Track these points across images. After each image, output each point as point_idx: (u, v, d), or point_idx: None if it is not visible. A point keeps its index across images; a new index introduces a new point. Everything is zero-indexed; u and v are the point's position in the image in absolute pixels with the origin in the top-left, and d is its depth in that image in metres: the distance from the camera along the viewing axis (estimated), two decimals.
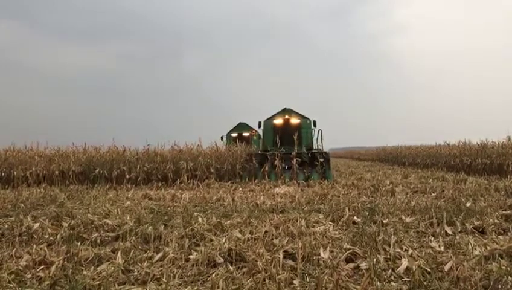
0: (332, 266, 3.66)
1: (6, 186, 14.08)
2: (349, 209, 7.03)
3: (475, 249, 4.29)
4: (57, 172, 15.24)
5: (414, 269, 3.56)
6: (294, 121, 17.32)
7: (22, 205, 8.65)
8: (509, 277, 3.47)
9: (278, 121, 17.44)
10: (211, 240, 4.96)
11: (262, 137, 18.18)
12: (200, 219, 6.34)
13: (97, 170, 15.16)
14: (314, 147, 16.97)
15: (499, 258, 4.05)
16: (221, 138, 22.88)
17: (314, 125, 17.27)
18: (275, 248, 4.39)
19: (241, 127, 24.49)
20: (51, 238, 5.37)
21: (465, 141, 20.59)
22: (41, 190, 12.33)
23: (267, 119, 17.61)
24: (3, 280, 3.64)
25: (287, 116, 17.36)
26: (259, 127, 17.60)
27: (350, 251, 4.19)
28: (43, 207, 8.53)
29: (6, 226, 6.26)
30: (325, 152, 15.85)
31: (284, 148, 15.71)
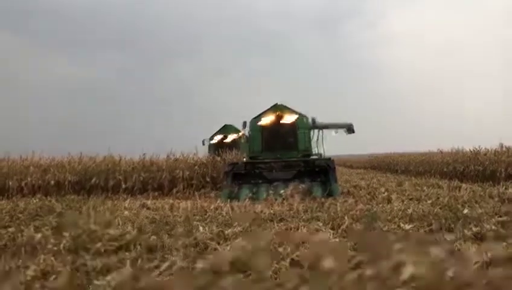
0: (340, 273, 3.72)
1: (1, 197, 14.02)
2: (348, 217, 7.13)
3: (476, 255, 4.39)
4: (52, 182, 15.23)
5: (421, 276, 3.63)
6: (288, 119, 13.66)
7: (21, 215, 8.64)
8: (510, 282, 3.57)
9: (268, 120, 13.62)
10: (215, 249, 5.02)
11: (248, 139, 14.49)
12: (201, 228, 6.41)
13: (93, 180, 15.17)
14: (313, 152, 13.73)
15: (501, 264, 4.15)
16: (203, 142, 20.81)
17: (314, 124, 13.80)
18: (281, 256, 4.45)
19: (227, 129, 21.04)
20: (55, 248, 5.40)
21: (458, 148, 20.85)
22: (37, 200, 12.29)
23: (254, 118, 13.92)
24: None
25: (279, 114, 13.59)
26: (244, 127, 14.16)
27: (358, 258, 4.26)
28: (41, 218, 8.52)
29: (6, 237, 6.28)
30: (329, 159, 12.58)
31: (276, 153, 13.20)
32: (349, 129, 18.00)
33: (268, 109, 13.93)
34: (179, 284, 3.77)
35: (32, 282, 3.94)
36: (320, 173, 12.10)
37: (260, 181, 12.04)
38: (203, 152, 18.90)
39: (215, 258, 4.30)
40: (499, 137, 18.11)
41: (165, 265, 4.35)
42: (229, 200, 10.70)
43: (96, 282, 3.85)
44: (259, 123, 13.74)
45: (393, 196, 10.77)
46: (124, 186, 15.00)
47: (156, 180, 15.35)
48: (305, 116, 13.83)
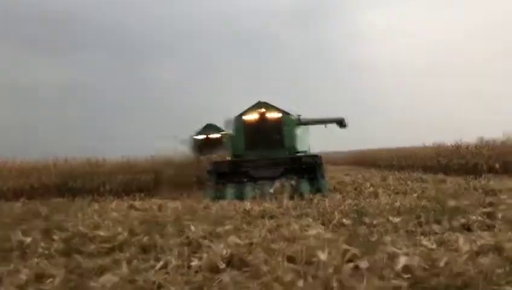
0: (336, 266, 3.78)
1: None
2: (337, 213, 7.21)
3: (465, 245, 4.50)
4: (36, 185, 15.05)
5: (415, 266, 3.72)
6: (273, 116, 13.47)
7: (7, 219, 8.50)
8: (500, 270, 3.68)
9: (252, 117, 13.45)
10: (209, 246, 5.03)
11: (231, 138, 14.13)
12: (192, 227, 6.40)
13: (77, 182, 15.04)
14: (299, 150, 13.48)
15: (489, 252, 4.27)
16: (184, 141, 18.95)
17: (299, 121, 13.80)
18: (275, 252, 4.49)
19: (209, 128, 19.89)
20: (46, 251, 5.34)
21: (440, 142, 21.21)
22: (21, 204, 12.10)
23: (237, 116, 13.70)
24: None
25: (262, 111, 13.42)
26: (227, 126, 14.01)
27: (352, 252, 4.33)
28: (28, 221, 8.40)
29: None
30: (316, 155, 12.38)
31: (261, 151, 12.84)
32: (341, 123, 18.08)
33: (251, 107, 13.68)
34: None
35: (26, 286, 3.91)
36: (308, 170, 11.83)
37: (246, 180, 11.72)
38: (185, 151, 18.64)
39: (210, 255, 4.33)
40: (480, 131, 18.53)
41: (159, 264, 4.37)
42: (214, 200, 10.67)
43: (92, 284, 3.84)
44: (243, 120, 13.48)
45: (380, 191, 10.91)
46: (108, 187, 14.91)
47: (141, 181, 15.28)
48: (289, 113, 13.71)
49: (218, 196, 11.02)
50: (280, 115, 13.47)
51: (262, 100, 13.85)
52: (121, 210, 9.45)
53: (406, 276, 3.70)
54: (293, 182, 11.16)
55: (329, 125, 17.99)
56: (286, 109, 13.86)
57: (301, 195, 10.40)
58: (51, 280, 3.92)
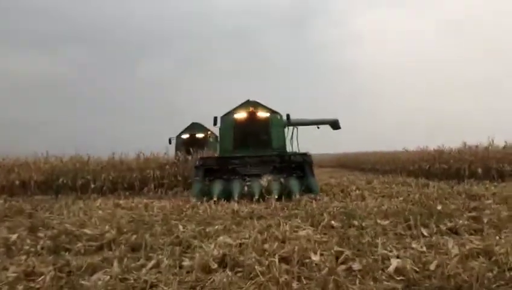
0: (330, 268, 3.79)
1: None
2: (326, 214, 7.24)
3: (454, 249, 4.55)
4: (17, 182, 14.77)
5: (407, 269, 3.75)
6: (262, 115, 13.26)
7: None
8: (490, 273, 3.74)
9: (240, 116, 13.22)
10: (201, 246, 5.00)
11: (219, 137, 13.97)
12: (180, 227, 6.37)
13: (60, 180, 14.80)
14: (287, 150, 13.35)
15: (478, 256, 4.34)
16: (169, 140, 19.58)
17: (288, 120, 13.57)
18: (267, 253, 4.48)
19: (195, 127, 20.41)
20: (32, 249, 5.25)
21: (423, 147, 21.43)
22: (3, 201, 11.87)
23: (225, 115, 13.33)
24: None
25: (251, 110, 13.20)
26: (215, 124, 13.16)
27: (344, 253, 4.35)
28: (11, 218, 8.26)
29: None
30: (305, 153, 12.17)
31: (249, 151, 12.54)
32: (335, 125, 18.05)
33: (240, 105, 13.47)
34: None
35: (15, 283, 3.83)
36: (297, 169, 11.56)
37: (233, 177, 11.30)
38: (170, 151, 18.48)
39: (201, 255, 4.31)
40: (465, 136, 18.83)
41: (151, 263, 4.33)
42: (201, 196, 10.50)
43: (83, 282, 3.79)
44: (231, 119, 13.17)
45: (366, 194, 10.99)
46: (93, 186, 14.71)
47: (126, 179, 15.10)
48: (278, 113, 13.47)
49: (205, 192, 10.66)
50: (268, 114, 13.25)
51: (251, 99, 13.63)
52: (106, 208, 9.34)
53: (398, 278, 3.74)
54: (282, 180, 10.85)
55: (314, 127, 18.09)
56: (275, 109, 13.59)
57: (290, 194, 10.25)
58: (41, 277, 3.83)
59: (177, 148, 18.86)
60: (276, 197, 9.89)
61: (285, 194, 10.21)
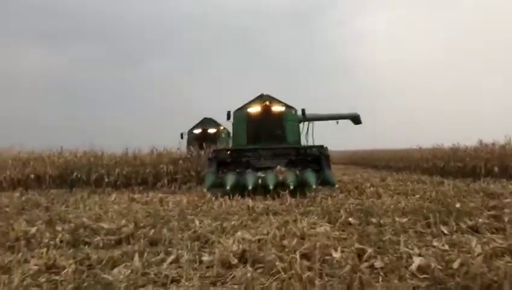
0: (353, 265, 3.75)
1: None
2: (341, 211, 7.19)
3: (476, 247, 4.48)
4: (32, 176, 14.90)
5: (432, 267, 3.69)
6: (276, 109, 12.95)
7: (7, 209, 8.42)
8: None
9: (254, 110, 12.95)
10: (219, 242, 4.98)
11: (232, 131, 13.78)
12: (197, 222, 6.36)
13: (75, 174, 14.90)
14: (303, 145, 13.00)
15: (502, 255, 4.26)
16: (181, 135, 19.47)
17: (304, 116, 13.30)
18: (287, 249, 4.45)
19: (206, 122, 20.27)
20: (51, 242, 5.27)
21: (437, 145, 21.21)
22: (19, 194, 11.99)
23: (238, 109, 13.12)
24: (19, 285, 3.57)
25: (265, 104, 12.92)
26: (228, 119, 12.95)
27: (365, 251, 4.30)
28: (28, 212, 8.33)
29: None
30: (322, 146, 11.55)
31: (262, 146, 12.19)
32: (356, 120, 17.74)
33: (253, 99, 13.17)
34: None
35: (37, 275, 3.85)
36: (313, 162, 11.19)
37: (247, 170, 10.96)
38: (182, 146, 18.48)
39: (221, 250, 4.29)
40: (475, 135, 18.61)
41: (171, 258, 4.32)
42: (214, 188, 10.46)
43: (104, 275, 3.79)
44: (245, 113, 12.92)
45: (381, 191, 10.89)
46: (106, 180, 14.79)
47: (140, 174, 15.15)
48: (293, 107, 13.15)
49: (218, 184, 10.50)
50: (283, 109, 12.93)
51: (265, 93, 13.31)
52: (121, 203, 9.39)
53: (422, 276, 3.68)
54: (297, 172, 10.52)
55: (328, 124, 17.90)
56: (290, 103, 13.21)
57: (305, 186, 10.02)
58: (64, 271, 3.84)
59: (189, 144, 18.83)
60: (292, 188, 9.72)
61: (300, 188, 10.04)
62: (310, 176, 10.25)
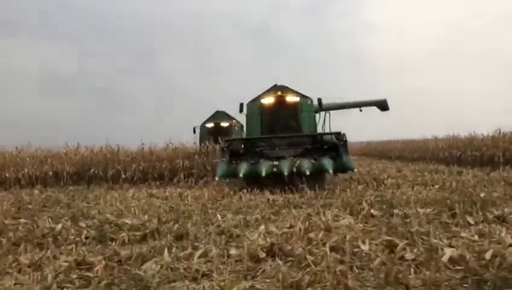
0: (386, 257, 3.72)
1: None
2: (364, 203, 7.14)
3: (507, 237, 4.42)
4: (50, 173, 15.05)
5: (467, 258, 3.64)
6: (291, 100, 12.44)
7: (30, 206, 8.52)
8: None
9: (268, 101, 12.46)
10: (244, 235, 4.98)
11: (246, 124, 13.30)
12: (218, 216, 6.36)
13: (92, 170, 15.02)
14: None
15: None
16: (193, 129, 19.05)
17: (320, 106, 12.61)
18: (315, 242, 4.44)
19: (219, 116, 19.74)
20: (77, 238, 5.32)
21: (453, 135, 20.99)
22: (38, 191, 12.14)
23: (251, 101, 12.67)
24: (53, 282, 3.60)
25: (279, 95, 12.41)
26: (241, 111, 12.54)
27: (394, 243, 4.27)
28: (49, 208, 8.41)
29: (21, 228, 6.17)
30: (339, 133, 10.83)
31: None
32: (382, 106, 17.10)
33: (267, 90, 12.63)
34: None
35: (69, 272, 3.88)
36: (330, 150, 10.67)
37: (261, 160, 10.45)
38: (195, 140, 18.40)
39: (249, 244, 4.28)
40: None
41: (199, 253, 4.32)
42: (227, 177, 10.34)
43: (136, 271, 3.81)
44: (259, 104, 12.44)
45: (400, 182, 10.82)
46: (123, 176, 14.87)
47: (156, 169, 15.20)
48: (309, 97, 12.59)
49: (230, 173, 10.26)
50: (298, 99, 12.41)
51: (279, 83, 12.77)
52: (141, 198, 9.44)
53: (455, 268, 3.64)
54: (313, 161, 10.08)
55: (341, 114, 17.53)
56: (305, 93, 12.68)
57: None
58: (97, 267, 3.87)
59: (201, 138, 18.60)
60: (308, 173, 9.49)
61: (316, 177, 9.81)
62: (327, 162, 9.83)
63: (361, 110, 16.70)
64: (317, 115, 12.90)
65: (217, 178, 10.33)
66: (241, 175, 9.80)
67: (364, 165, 20.83)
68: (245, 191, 9.62)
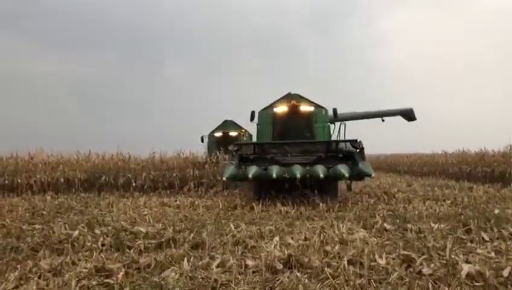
0: (402, 272, 3.74)
1: (11, 194, 13.94)
2: (377, 217, 7.16)
3: None
4: (62, 179, 15.16)
5: (487, 275, 3.65)
6: (305, 109, 12.01)
7: (44, 213, 8.61)
8: None
9: (281, 110, 12.05)
10: (260, 246, 5.02)
11: (257, 133, 12.60)
12: (232, 226, 6.39)
13: (103, 178, 15.12)
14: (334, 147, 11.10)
15: None
16: (201, 138, 19.05)
17: (335, 116, 12.17)
18: (331, 255, 4.47)
19: (227, 125, 19.51)
20: (94, 245, 5.37)
21: (463, 150, 20.92)
22: (50, 197, 12.24)
23: (264, 109, 12.28)
24: (75, 287, 3.66)
25: (293, 103, 11.99)
26: (252, 120, 11.93)
27: (416, 258, 4.28)
28: (62, 215, 8.48)
29: (37, 233, 6.26)
30: (355, 140, 10.07)
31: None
32: (409, 116, 16.47)
33: (280, 99, 12.21)
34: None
35: (89, 278, 3.93)
36: (345, 158, 10.01)
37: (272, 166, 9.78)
38: (203, 149, 18.45)
39: (265, 255, 4.31)
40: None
41: (216, 262, 4.36)
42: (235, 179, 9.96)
43: (155, 279, 3.85)
44: (271, 113, 12.02)
45: (411, 196, 10.80)
46: (134, 184, 14.95)
47: (167, 178, 15.27)
48: (323, 107, 12.22)
49: (239, 176, 9.65)
50: (312, 108, 11.97)
51: (292, 92, 12.38)
52: (153, 206, 9.50)
53: (474, 284, 3.65)
54: (327, 168, 9.39)
55: (357, 124, 17.31)
56: (319, 103, 12.27)
57: (336, 179, 9.41)
58: (113, 274, 3.92)
59: (209, 147, 18.57)
60: (322, 176, 8.99)
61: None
62: (343, 167, 9.20)
63: (383, 120, 16.28)
64: (331, 126, 12.50)
65: (224, 178, 9.77)
66: (250, 176, 9.23)
67: (374, 178, 20.79)
68: (257, 202, 9.61)
